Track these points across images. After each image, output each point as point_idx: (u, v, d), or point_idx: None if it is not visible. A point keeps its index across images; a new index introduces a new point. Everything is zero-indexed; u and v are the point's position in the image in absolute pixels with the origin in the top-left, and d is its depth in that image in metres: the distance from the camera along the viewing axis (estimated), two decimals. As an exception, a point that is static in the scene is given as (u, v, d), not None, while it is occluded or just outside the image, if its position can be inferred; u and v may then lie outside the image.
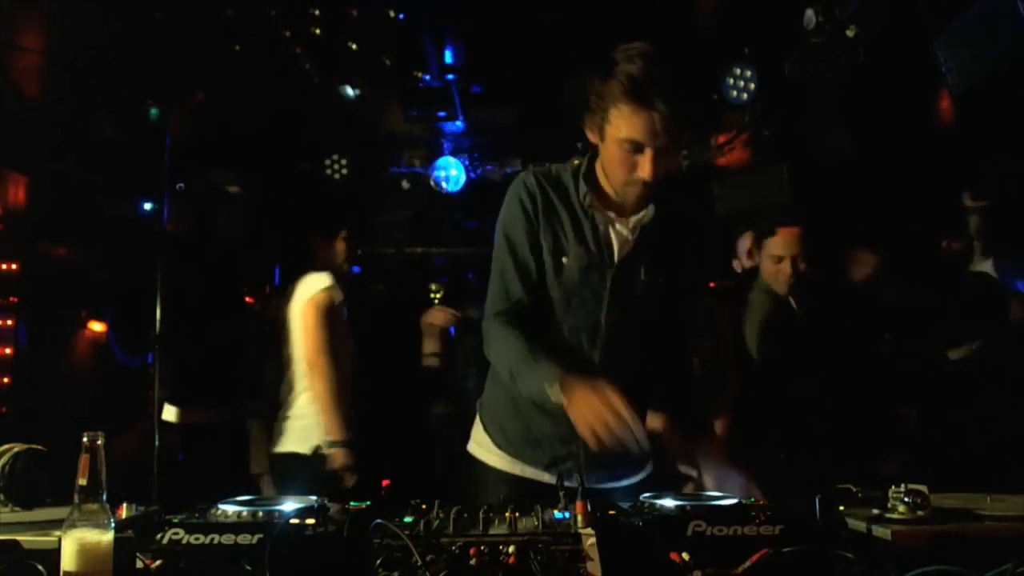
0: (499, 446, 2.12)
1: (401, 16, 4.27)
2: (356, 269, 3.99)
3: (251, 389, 3.87)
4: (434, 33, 4.55)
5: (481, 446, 2.17)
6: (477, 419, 2.23)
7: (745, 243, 3.69)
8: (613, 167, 1.87)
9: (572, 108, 1.94)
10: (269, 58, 4.52)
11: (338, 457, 3.07)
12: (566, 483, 1.60)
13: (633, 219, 1.95)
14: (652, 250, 1.96)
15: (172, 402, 3.83)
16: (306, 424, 3.15)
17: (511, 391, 2.04)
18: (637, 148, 1.78)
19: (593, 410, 1.64)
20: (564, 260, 1.94)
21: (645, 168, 1.79)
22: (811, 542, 1.35)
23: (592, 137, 1.89)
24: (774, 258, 3.17)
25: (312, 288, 3.16)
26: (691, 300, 2.09)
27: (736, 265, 3.70)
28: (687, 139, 1.88)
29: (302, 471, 3.08)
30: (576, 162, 2.01)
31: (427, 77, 5.09)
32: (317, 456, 3.11)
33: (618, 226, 1.95)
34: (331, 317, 3.13)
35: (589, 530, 1.35)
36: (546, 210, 1.96)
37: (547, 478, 2.03)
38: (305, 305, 3.14)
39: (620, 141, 1.79)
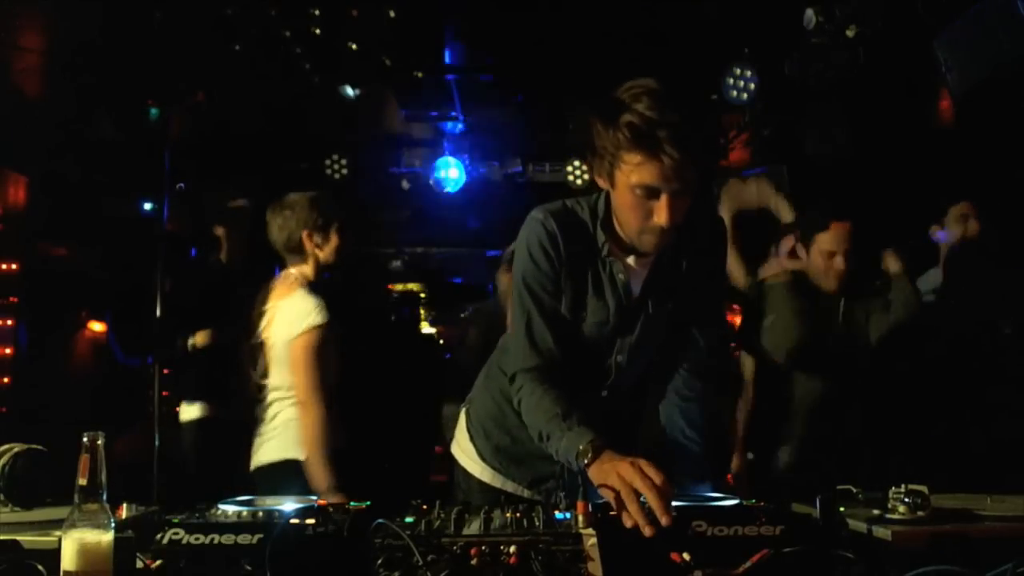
0: (483, 457, 2.08)
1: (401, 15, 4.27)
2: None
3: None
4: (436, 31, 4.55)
5: (464, 453, 2.13)
6: (462, 422, 2.18)
7: (787, 243, 3.67)
8: (627, 214, 1.76)
9: (576, 139, 1.82)
10: (269, 58, 4.52)
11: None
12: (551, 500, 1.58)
13: (649, 261, 1.87)
14: (663, 282, 1.89)
15: (197, 398, 3.80)
16: (291, 433, 3.02)
17: (501, 403, 2.01)
18: (652, 193, 1.68)
19: (623, 474, 1.45)
20: (583, 315, 1.85)
21: (662, 214, 1.68)
22: (812, 542, 1.35)
23: (602, 183, 1.78)
24: (825, 254, 3.12)
25: (301, 323, 2.89)
26: (702, 324, 1.98)
27: (775, 265, 3.64)
28: (699, 177, 1.73)
29: (291, 480, 2.95)
30: (592, 197, 1.89)
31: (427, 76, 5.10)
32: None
33: (637, 271, 1.87)
34: (322, 354, 2.88)
35: (590, 530, 1.35)
36: (567, 258, 1.83)
37: (528, 495, 2.01)
38: (294, 344, 2.87)
39: (632, 187, 1.68)
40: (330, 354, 2.97)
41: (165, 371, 4.07)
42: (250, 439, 3.11)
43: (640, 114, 1.63)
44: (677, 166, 1.63)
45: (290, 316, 2.93)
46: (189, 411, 3.85)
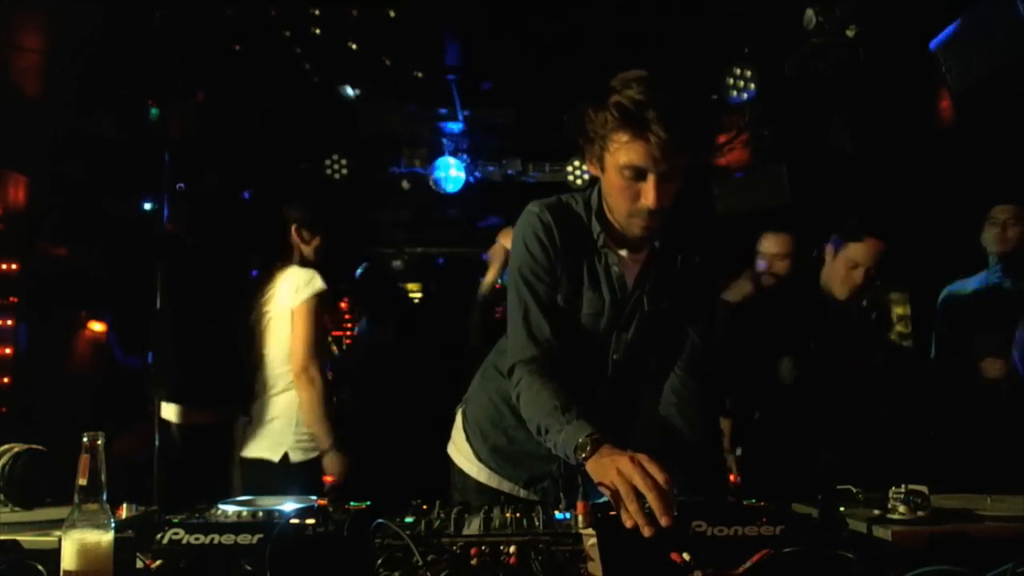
0: (479, 457, 2.09)
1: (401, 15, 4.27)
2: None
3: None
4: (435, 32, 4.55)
5: (460, 452, 2.15)
6: (458, 421, 2.19)
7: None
8: (615, 197, 1.77)
9: (571, 128, 1.84)
10: (269, 58, 4.52)
11: (333, 464, 3.02)
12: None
13: (643, 256, 1.89)
14: (655, 279, 1.90)
15: (173, 400, 3.79)
16: (280, 427, 3.08)
17: (498, 403, 2.03)
18: (639, 175, 1.69)
19: (623, 471, 1.43)
20: (578, 306, 1.87)
21: (649, 195, 1.69)
22: (812, 542, 1.35)
23: (593, 169, 1.81)
24: (851, 262, 3.10)
25: (306, 290, 3.04)
26: (697, 323, 1.98)
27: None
28: (688, 162, 1.74)
29: (270, 478, 3.00)
30: (586, 191, 1.92)
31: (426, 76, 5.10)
32: (286, 463, 3.03)
33: (630, 265, 1.89)
34: (321, 321, 3.06)
35: (590, 530, 1.35)
36: (563, 249, 1.85)
37: (524, 494, 2.03)
38: (298, 308, 3.03)
39: (620, 168, 1.70)
40: (325, 323, 3.08)
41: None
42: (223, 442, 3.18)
43: (629, 96, 1.65)
44: (665, 146, 1.64)
45: (290, 287, 3.08)
46: (170, 412, 3.83)
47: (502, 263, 3.92)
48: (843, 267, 3.11)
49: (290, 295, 3.06)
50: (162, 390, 3.85)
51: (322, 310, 3.08)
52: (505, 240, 3.98)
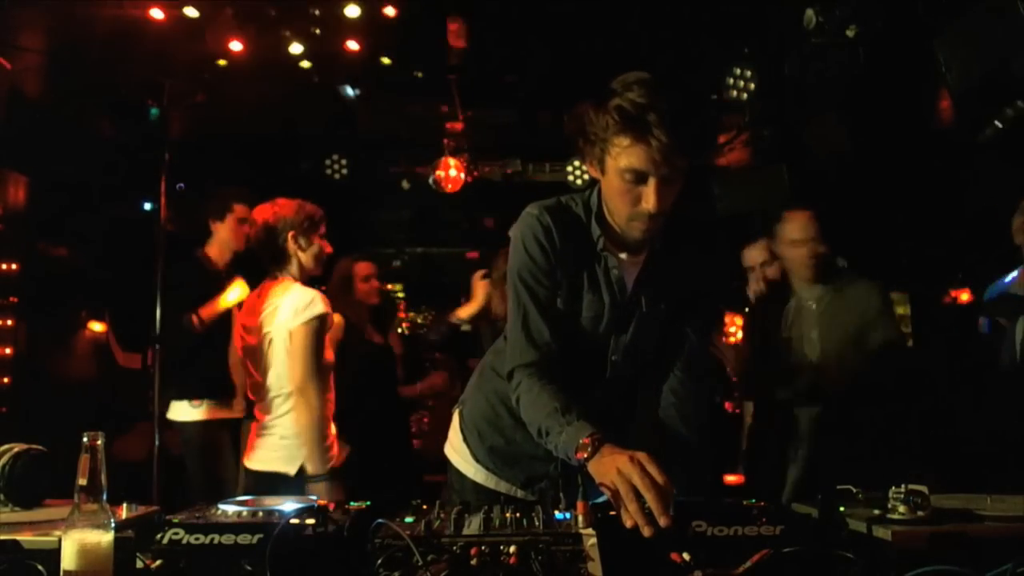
0: (476, 458, 2.08)
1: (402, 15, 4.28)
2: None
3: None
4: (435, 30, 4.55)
5: (458, 453, 2.13)
6: (455, 422, 2.18)
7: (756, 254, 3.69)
8: (615, 200, 1.76)
9: (571, 129, 1.81)
10: (269, 58, 4.51)
11: (321, 492, 2.85)
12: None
13: (642, 257, 1.88)
14: (655, 279, 1.89)
15: (202, 396, 3.79)
16: (296, 444, 3.02)
17: (495, 404, 2.02)
18: (640, 178, 1.68)
19: (622, 471, 1.44)
20: (578, 308, 1.85)
21: (650, 199, 1.68)
22: (812, 542, 1.35)
23: (592, 171, 1.79)
24: (792, 244, 3.10)
25: (306, 313, 2.93)
26: (695, 323, 1.97)
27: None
28: (690, 165, 1.72)
29: (286, 490, 2.94)
30: (585, 192, 1.90)
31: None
32: (302, 475, 2.99)
33: (630, 268, 1.87)
34: (321, 343, 2.95)
35: (590, 530, 1.35)
36: (562, 251, 1.83)
37: (522, 495, 2.02)
38: (297, 330, 2.92)
39: (621, 172, 1.68)
40: (324, 344, 3.02)
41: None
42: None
43: (630, 99, 1.64)
44: (665, 150, 1.63)
45: (291, 308, 2.97)
46: (193, 412, 3.82)
47: (482, 302, 3.89)
48: (788, 254, 3.13)
49: (289, 317, 2.94)
50: (172, 389, 3.86)
51: (323, 332, 2.95)
52: (484, 284, 3.95)
